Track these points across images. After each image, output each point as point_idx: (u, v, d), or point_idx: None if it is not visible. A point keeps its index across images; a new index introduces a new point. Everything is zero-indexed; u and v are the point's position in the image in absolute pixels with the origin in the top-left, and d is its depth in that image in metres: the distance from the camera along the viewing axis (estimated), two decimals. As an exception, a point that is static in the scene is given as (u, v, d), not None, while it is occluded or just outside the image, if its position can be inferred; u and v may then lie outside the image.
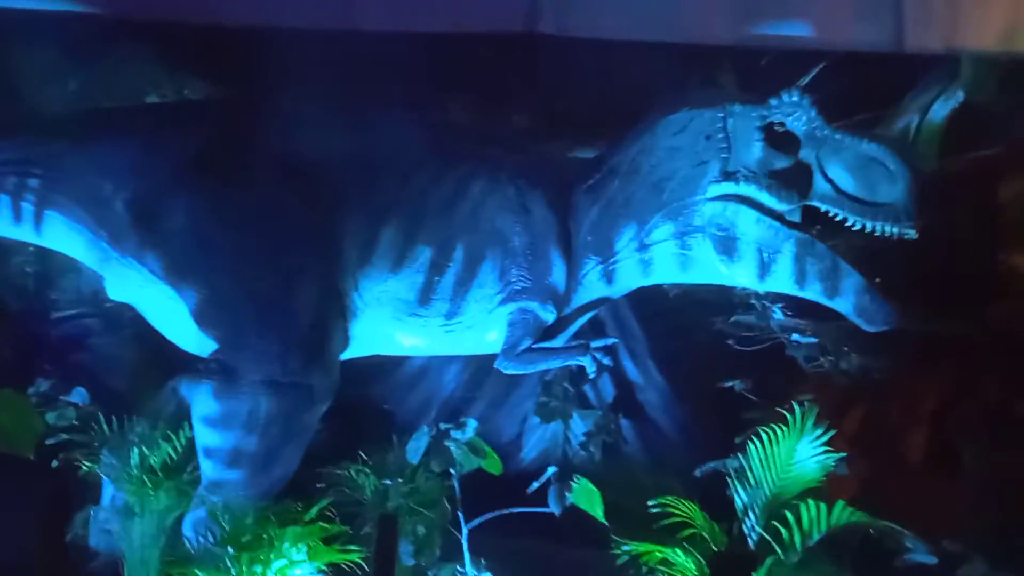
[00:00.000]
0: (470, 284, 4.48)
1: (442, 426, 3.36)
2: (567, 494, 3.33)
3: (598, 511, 3.29)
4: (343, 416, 5.22)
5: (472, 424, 3.40)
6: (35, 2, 5.40)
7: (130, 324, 5.73)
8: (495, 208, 4.53)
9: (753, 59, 5.46)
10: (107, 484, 4.57)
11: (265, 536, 3.30)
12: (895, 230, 4.20)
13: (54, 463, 4.27)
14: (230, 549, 3.28)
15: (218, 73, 5.59)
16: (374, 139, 4.72)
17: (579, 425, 6.08)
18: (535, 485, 3.75)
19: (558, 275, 4.56)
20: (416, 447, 3.39)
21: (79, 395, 4.59)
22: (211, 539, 3.65)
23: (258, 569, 3.21)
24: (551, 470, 4.28)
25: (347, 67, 5.24)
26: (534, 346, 4.49)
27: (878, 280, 4.41)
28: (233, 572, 3.38)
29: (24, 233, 4.72)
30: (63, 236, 4.65)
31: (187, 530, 4.05)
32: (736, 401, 5.00)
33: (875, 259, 4.77)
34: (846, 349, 4.92)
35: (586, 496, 3.26)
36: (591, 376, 4.58)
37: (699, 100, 4.47)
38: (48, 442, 4.13)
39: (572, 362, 4.58)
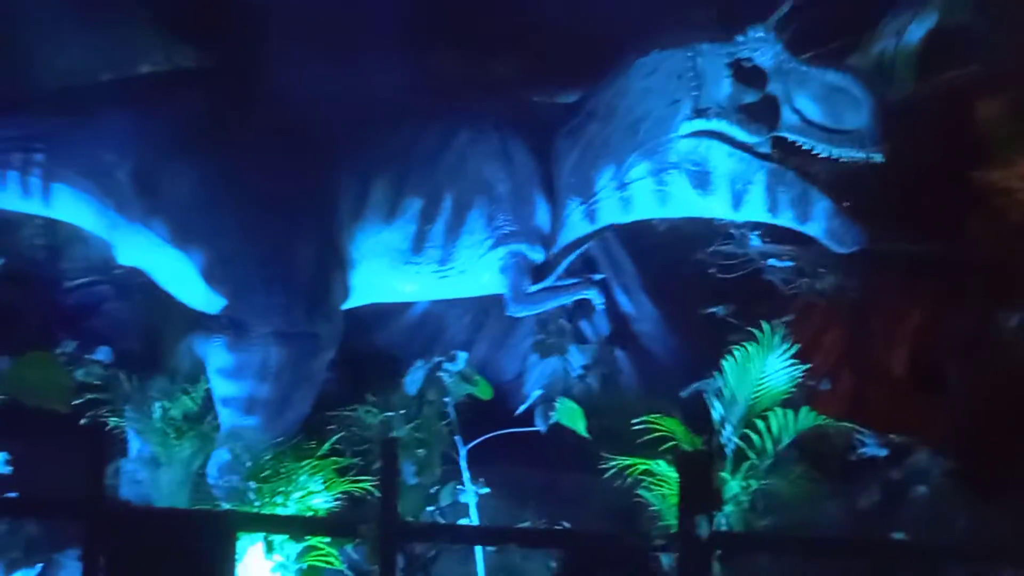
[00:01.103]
0: (460, 231, 4.72)
1: (435, 359, 3.63)
2: (551, 413, 3.61)
3: (580, 427, 3.58)
4: (351, 364, 5.50)
5: (462, 356, 3.68)
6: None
7: (140, 288, 5.98)
8: (480, 157, 4.75)
9: (729, -7, 5.54)
10: (133, 438, 4.86)
11: (283, 470, 3.60)
12: (861, 155, 4.40)
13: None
14: (252, 484, 3.58)
15: (206, 38, 5.68)
16: (360, 97, 4.90)
17: (577, 359, 6.35)
18: (523, 408, 4.04)
19: (543, 217, 4.80)
20: (413, 380, 3.67)
21: (104, 353, 4.86)
22: (234, 479, 3.95)
23: (279, 500, 3.52)
24: (536, 393, 4.59)
25: (331, 25, 5.32)
26: (542, 286, 4.74)
27: (847, 204, 4.61)
28: (257, 504, 3.70)
29: (33, 206, 4.92)
30: (71, 207, 4.86)
31: (212, 473, 4.34)
32: (720, 325, 5.23)
33: (858, 182, 4.96)
34: (822, 271, 5.14)
35: (568, 414, 3.54)
36: (599, 308, 4.83)
37: (669, 41, 4.64)
38: (76, 402, 4.38)
39: (579, 296, 4.83)
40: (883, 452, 4.02)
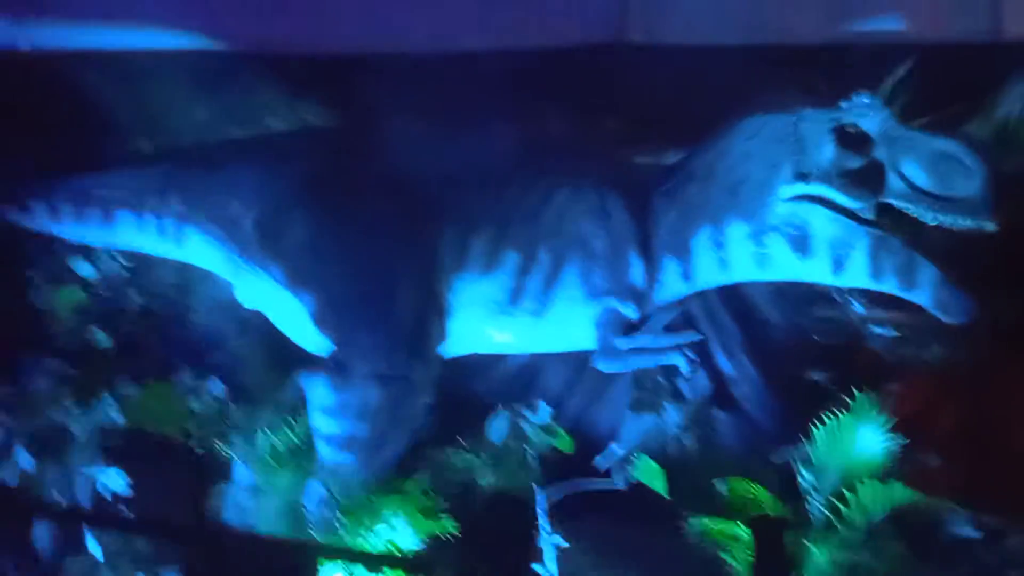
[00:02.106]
0: (555, 285, 4.84)
1: (518, 409, 3.71)
2: (630, 470, 3.61)
3: (659, 485, 3.56)
4: (447, 409, 5.66)
5: (544, 407, 3.72)
6: (165, 42, 5.97)
7: (256, 328, 6.37)
8: (578, 214, 4.88)
9: (843, 57, 5.52)
10: (238, 465, 5.15)
11: (372, 507, 3.75)
12: (972, 224, 4.27)
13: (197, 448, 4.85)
14: (342, 517, 3.74)
15: (328, 98, 6.08)
16: (468, 155, 5.14)
17: (673, 417, 6.29)
18: (600, 460, 4.04)
19: (637, 275, 4.86)
20: (496, 428, 3.75)
21: (216, 384, 5.21)
22: (327, 512, 4.13)
23: (366, 534, 3.65)
24: (615, 448, 4.58)
25: (446, 88, 5.60)
26: (631, 345, 4.78)
27: (955, 273, 4.46)
28: (345, 537, 3.84)
29: (167, 248, 5.39)
30: (201, 250, 5.29)
31: (309, 504, 4.55)
32: (821, 392, 5.10)
33: (964, 251, 4.80)
34: (928, 340, 4.97)
35: (647, 472, 3.54)
36: (686, 375, 4.82)
37: (771, 105, 4.67)
38: (188, 429, 4.70)
39: (666, 361, 4.84)
40: (976, 534, 3.81)
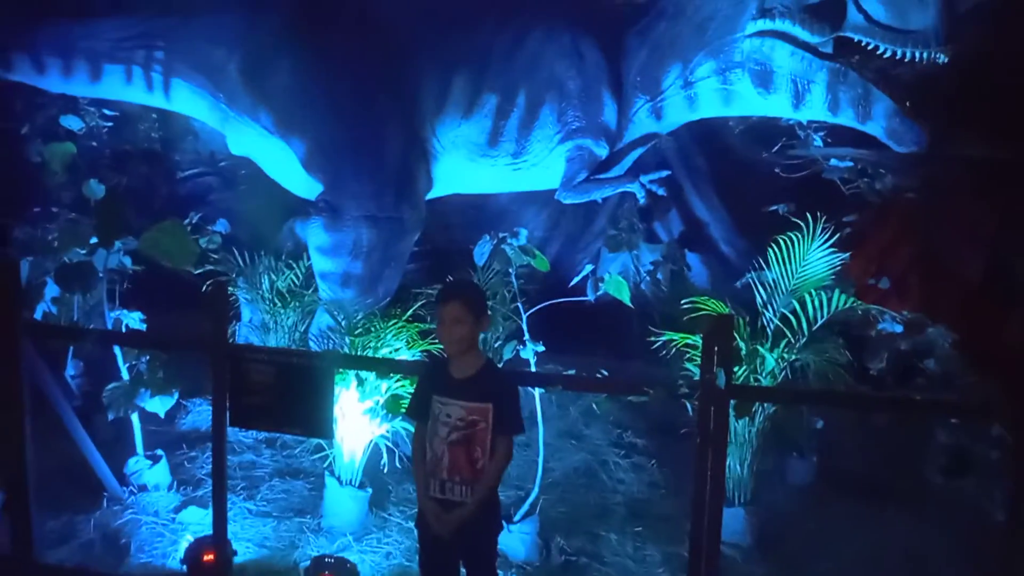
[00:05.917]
0: (532, 126, 5.06)
1: (500, 234, 4.01)
2: (600, 284, 3.96)
3: (625, 296, 3.92)
4: (434, 256, 5.96)
5: (523, 232, 4.02)
6: None
7: (243, 179, 6.55)
8: (551, 55, 5.04)
9: None
10: (245, 306, 5.50)
11: (372, 328, 4.12)
12: (925, 55, 4.48)
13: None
14: (347, 339, 4.11)
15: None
16: None
17: (647, 255, 6.65)
18: (575, 280, 4.42)
19: (609, 114, 5.09)
20: (481, 252, 4.05)
21: (222, 224, 5.47)
22: (333, 340, 4.49)
23: (369, 352, 4.03)
24: (588, 266, 4.97)
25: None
26: (590, 177, 5.05)
27: (908, 104, 4.73)
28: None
29: (156, 100, 5.45)
30: (189, 100, 5.37)
31: (314, 335, 4.93)
32: (781, 223, 5.43)
33: (928, 85, 5.00)
34: (882, 172, 5.28)
35: (615, 285, 3.88)
36: (641, 203, 5.10)
37: (739, -58, 4.76)
38: (198, 271, 4.97)
39: (622, 189, 5.13)
40: (898, 328, 4.32)
